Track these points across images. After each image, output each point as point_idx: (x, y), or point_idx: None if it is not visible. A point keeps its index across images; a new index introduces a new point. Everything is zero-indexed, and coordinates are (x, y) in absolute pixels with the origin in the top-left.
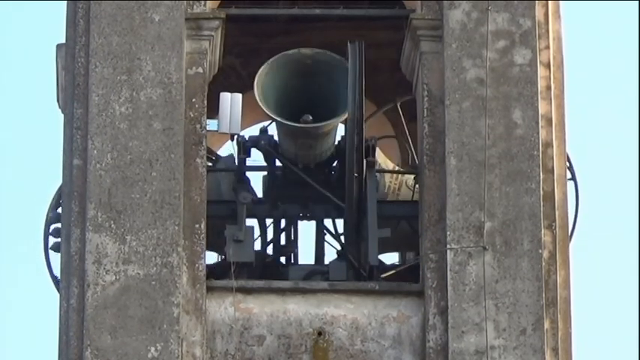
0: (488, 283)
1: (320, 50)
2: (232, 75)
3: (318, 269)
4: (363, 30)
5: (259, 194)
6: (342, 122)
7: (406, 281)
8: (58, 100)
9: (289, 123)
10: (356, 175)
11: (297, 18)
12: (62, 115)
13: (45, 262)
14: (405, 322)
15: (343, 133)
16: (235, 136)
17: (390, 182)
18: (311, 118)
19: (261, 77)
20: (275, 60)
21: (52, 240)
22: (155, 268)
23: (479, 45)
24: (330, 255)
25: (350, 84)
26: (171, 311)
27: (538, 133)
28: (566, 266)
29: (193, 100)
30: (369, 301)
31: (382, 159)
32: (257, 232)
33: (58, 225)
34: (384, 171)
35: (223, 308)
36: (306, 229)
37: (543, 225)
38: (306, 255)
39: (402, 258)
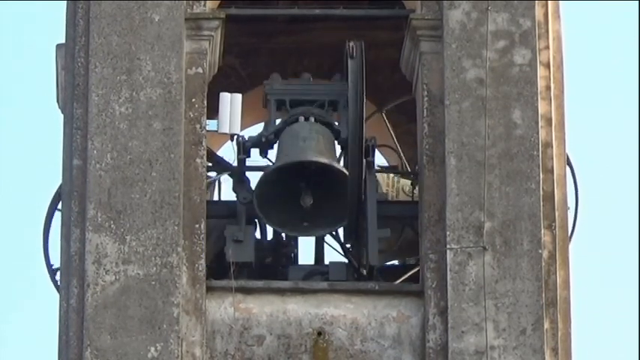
0: (488, 283)
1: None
2: (232, 75)
3: (318, 269)
4: (363, 30)
5: None
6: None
7: (406, 281)
8: (57, 100)
9: (289, 232)
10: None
11: (297, 18)
12: (62, 115)
13: (45, 262)
14: (404, 322)
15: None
16: (235, 136)
17: (387, 189)
18: (311, 202)
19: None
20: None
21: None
22: (155, 268)
23: (479, 45)
24: (330, 255)
25: (350, 84)
26: (171, 311)
27: (538, 133)
28: (566, 266)
29: (193, 100)
30: (369, 301)
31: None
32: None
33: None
34: (384, 171)
35: (223, 308)
36: None
37: (543, 225)
38: (306, 255)
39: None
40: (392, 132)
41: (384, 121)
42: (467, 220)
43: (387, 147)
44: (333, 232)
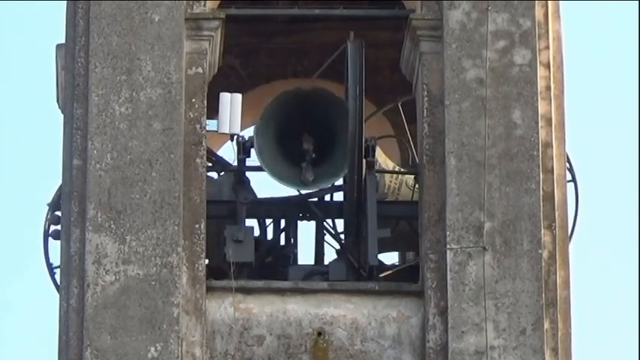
0: (488, 283)
1: (319, 87)
2: (232, 75)
3: (318, 269)
4: (363, 30)
5: (259, 194)
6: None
7: (406, 281)
8: (57, 100)
9: (290, 185)
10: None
11: (297, 18)
12: (62, 115)
13: (45, 263)
14: (404, 322)
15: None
16: (235, 136)
17: (390, 182)
18: (312, 178)
19: (257, 132)
20: (275, 99)
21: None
22: (155, 269)
23: (479, 45)
24: (330, 255)
25: (350, 84)
26: (171, 311)
27: (538, 133)
28: (566, 266)
29: (193, 100)
30: (369, 301)
31: (382, 159)
32: (257, 232)
33: (58, 227)
34: (384, 171)
35: (223, 308)
36: (306, 229)
37: (543, 225)
38: (306, 255)
39: (402, 258)
40: (406, 126)
41: (401, 114)
42: (467, 220)
43: (392, 137)
44: (333, 232)
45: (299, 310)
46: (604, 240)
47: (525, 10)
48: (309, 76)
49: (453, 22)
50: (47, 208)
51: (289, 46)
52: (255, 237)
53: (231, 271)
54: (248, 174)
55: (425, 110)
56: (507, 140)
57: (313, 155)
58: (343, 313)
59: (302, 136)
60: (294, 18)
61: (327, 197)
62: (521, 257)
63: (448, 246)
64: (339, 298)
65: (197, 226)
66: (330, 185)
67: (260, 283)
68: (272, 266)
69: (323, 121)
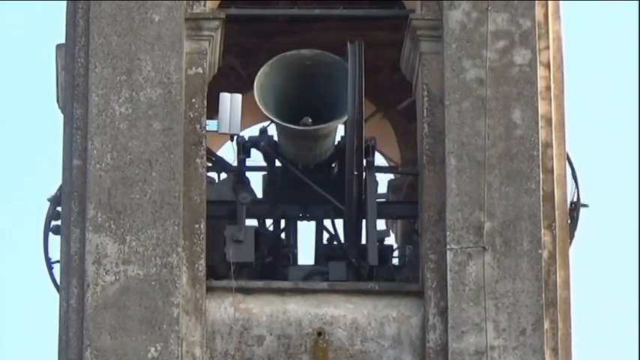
0: (487, 283)
1: (319, 51)
2: (232, 75)
3: (318, 269)
4: (363, 30)
5: (259, 194)
6: (341, 124)
7: (406, 281)
8: (57, 100)
9: (289, 125)
10: (355, 173)
11: (297, 18)
12: (62, 115)
13: (45, 263)
14: (404, 323)
15: (343, 134)
16: (235, 137)
17: None
18: (310, 120)
19: (260, 79)
20: (274, 61)
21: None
22: (155, 269)
23: (479, 45)
24: (330, 255)
25: (350, 84)
26: (171, 311)
27: (538, 133)
28: (566, 266)
29: (193, 100)
30: (369, 302)
31: None
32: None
33: (58, 222)
34: (384, 171)
35: (223, 308)
36: (306, 229)
37: (543, 225)
38: (306, 255)
39: (402, 257)
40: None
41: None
42: (467, 220)
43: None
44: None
45: (299, 310)
46: (604, 240)
47: (525, 10)
48: None
49: (453, 22)
50: (48, 203)
51: (289, 46)
52: (255, 237)
53: (232, 271)
54: (248, 174)
55: (425, 110)
56: (507, 140)
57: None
58: (343, 313)
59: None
60: (294, 18)
61: (327, 197)
62: (521, 257)
63: (448, 246)
64: (339, 298)
65: (197, 226)
66: (329, 125)
67: (260, 283)
68: (272, 266)
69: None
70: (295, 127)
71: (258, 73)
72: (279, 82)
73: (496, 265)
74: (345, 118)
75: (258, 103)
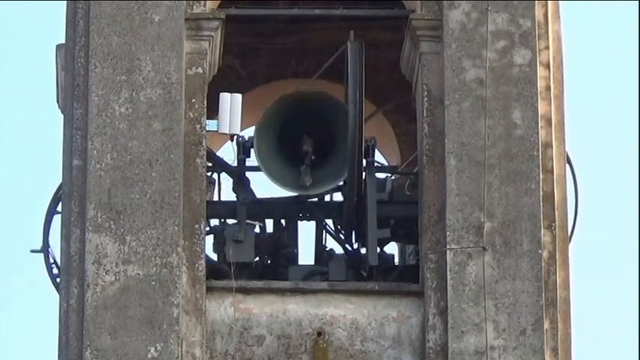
0: (487, 283)
1: (321, 90)
2: (232, 75)
3: (318, 269)
4: (363, 30)
5: (259, 194)
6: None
7: (406, 281)
8: (57, 101)
9: (289, 191)
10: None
11: (297, 18)
12: (62, 115)
13: (44, 263)
14: (404, 323)
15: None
16: (235, 137)
17: None
18: (309, 183)
19: (258, 129)
20: (274, 104)
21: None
22: (155, 269)
23: (478, 45)
24: (330, 255)
25: (350, 84)
26: (170, 311)
27: (538, 133)
28: (566, 266)
29: (193, 100)
30: (369, 302)
31: None
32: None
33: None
34: (384, 171)
35: (223, 308)
36: (306, 229)
37: (543, 225)
38: (306, 255)
39: (402, 256)
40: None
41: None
42: (467, 221)
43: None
44: (333, 232)
45: (299, 310)
46: (604, 240)
47: (525, 10)
48: (309, 76)
49: (453, 22)
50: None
51: (289, 46)
52: (255, 237)
53: (232, 270)
54: (248, 174)
55: (425, 110)
56: (507, 140)
57: (312, 157)
58: (343, 313)
59: (302, 139)
60: (294, 18)
61: (327, 197)
62: (521, 257)
63: (448, 246)
64: (339, 298)
65: (197, 226)
66: (327, 189)
67: (260, 283)
68: (272, 266)
69: (323, 125)
70: (296, 191)
71: (256, 126)
72: (280, 119)
73: (496, 265)
74: (342, 178)
75: (258, 162)
